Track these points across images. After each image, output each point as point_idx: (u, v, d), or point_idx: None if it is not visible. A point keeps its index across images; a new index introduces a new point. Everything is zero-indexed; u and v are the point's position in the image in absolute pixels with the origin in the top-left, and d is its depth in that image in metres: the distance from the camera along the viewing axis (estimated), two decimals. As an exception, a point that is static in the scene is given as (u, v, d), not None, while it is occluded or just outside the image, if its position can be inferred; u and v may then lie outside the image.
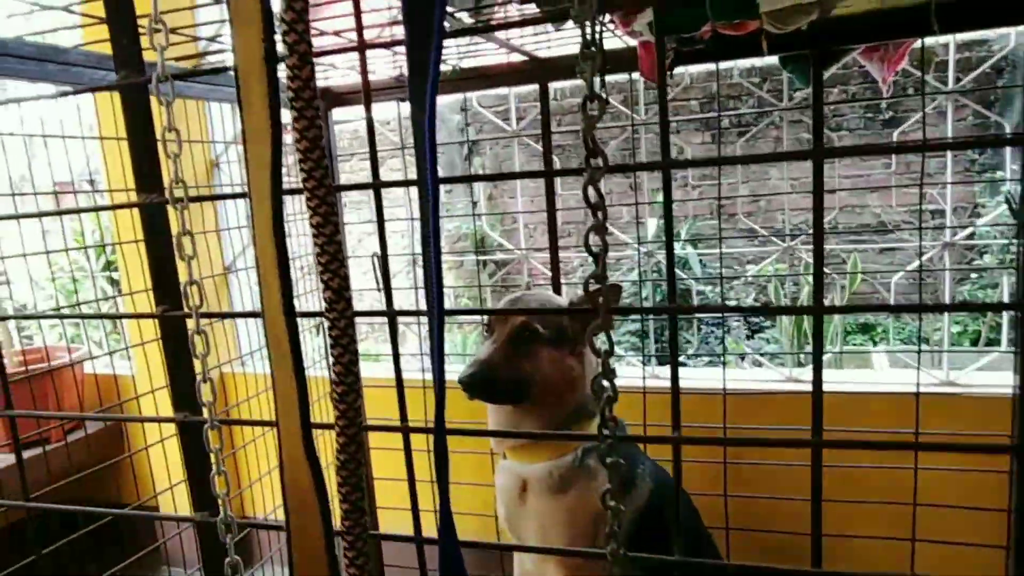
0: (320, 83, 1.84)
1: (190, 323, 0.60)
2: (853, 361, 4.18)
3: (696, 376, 2.18)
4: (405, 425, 0.63)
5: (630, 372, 2.17)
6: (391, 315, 0.76)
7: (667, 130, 0.57)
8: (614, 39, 1.56)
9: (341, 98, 1.84)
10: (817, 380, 0.60)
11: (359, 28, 0.58)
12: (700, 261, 4.74)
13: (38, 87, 1.35)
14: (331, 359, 0.56)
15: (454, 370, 1.42)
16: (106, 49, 0.68)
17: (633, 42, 1.55)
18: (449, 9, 1.32)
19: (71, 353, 2.64)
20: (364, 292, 1.97)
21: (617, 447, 1.51)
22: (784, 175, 4.81)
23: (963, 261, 4.49)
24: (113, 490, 2.73)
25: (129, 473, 2.59)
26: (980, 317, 4.39)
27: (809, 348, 3.97)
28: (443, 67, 1.77)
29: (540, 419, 1.43)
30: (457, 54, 1.67)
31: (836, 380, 2.01)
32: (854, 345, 4.67)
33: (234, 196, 2.20)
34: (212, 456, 0.63)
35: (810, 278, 4.33)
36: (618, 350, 2.15)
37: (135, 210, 0.65)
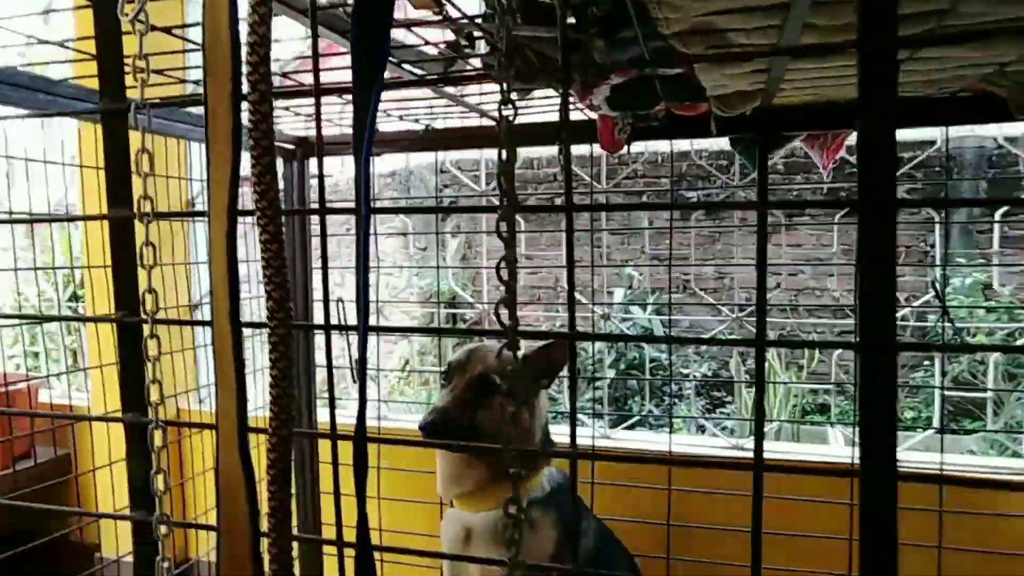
0: (299, 133, 1.94)
1: (145, 329, 0.66)
2: (810, 439, 4.25)
3: (646, 439, 2.23)
4: (334, 433, 0.68)
5: (584, 432, 2.22)
6: (327, 328, 0.80)
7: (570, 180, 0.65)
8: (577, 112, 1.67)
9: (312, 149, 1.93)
10: (760, 412, 0.66)
11: (315, 71, 0.66)
12: (664, 332, 4.86)
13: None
14: (269, 364, 0.62)
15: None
16: (94, 84, 0.75)
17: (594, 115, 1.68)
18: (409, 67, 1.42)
19: (28, 381, 2.64)
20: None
21: (562, 499, 1.55)
22: (748, 255, 4.99)
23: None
24: (57, 525, 2.67)
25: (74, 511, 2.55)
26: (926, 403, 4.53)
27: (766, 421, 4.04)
28: (417, 126, 1.89)
29: (488, 467, 1.47)
30: (429, 114, 1.77)
31: (781, 450, 2.08)
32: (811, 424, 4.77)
33: (195, 214, 2.26)
34: (153, 456, 0.68)
35: (770, 351, 4.46)
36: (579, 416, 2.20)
37: (105, 241, 0.71)
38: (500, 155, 0.57)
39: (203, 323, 0.69)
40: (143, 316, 0.64)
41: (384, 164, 5.78)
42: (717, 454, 2.05)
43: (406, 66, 1.31)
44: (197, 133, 1.70)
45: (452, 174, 4.18)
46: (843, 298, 4.99)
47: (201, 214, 0.58)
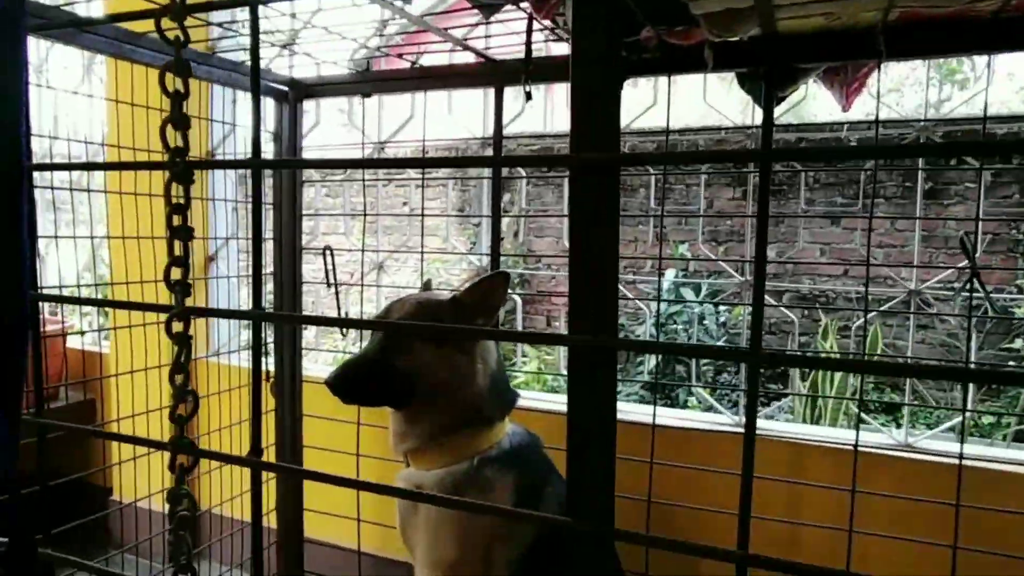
0: (287, 73, 1.88)
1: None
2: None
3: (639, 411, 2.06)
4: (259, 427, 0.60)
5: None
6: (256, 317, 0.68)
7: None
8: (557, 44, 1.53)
9: (309, 89, 1.87)
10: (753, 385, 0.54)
11: None
12: (717, 320, 4.59)
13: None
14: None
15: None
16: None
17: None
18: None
19: (63, 324, 2.74)
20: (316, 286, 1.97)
21: (524, 460, 1.42)
22: (814, 238, 4.65)
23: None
24: (79, 465, 2.75)
25: (96, 454, 2.63)
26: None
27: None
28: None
29: (428, 422, 1.37)
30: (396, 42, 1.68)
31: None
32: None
33: (222, 163, 2.24)
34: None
35: (825, 339, 4.12)
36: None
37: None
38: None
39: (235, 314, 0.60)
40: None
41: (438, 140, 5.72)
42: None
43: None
44: (216, 76, 1.71)
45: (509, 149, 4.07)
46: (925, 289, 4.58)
47: (228, 163, 0.50)
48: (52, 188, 1.83)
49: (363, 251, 2.04)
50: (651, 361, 4.23)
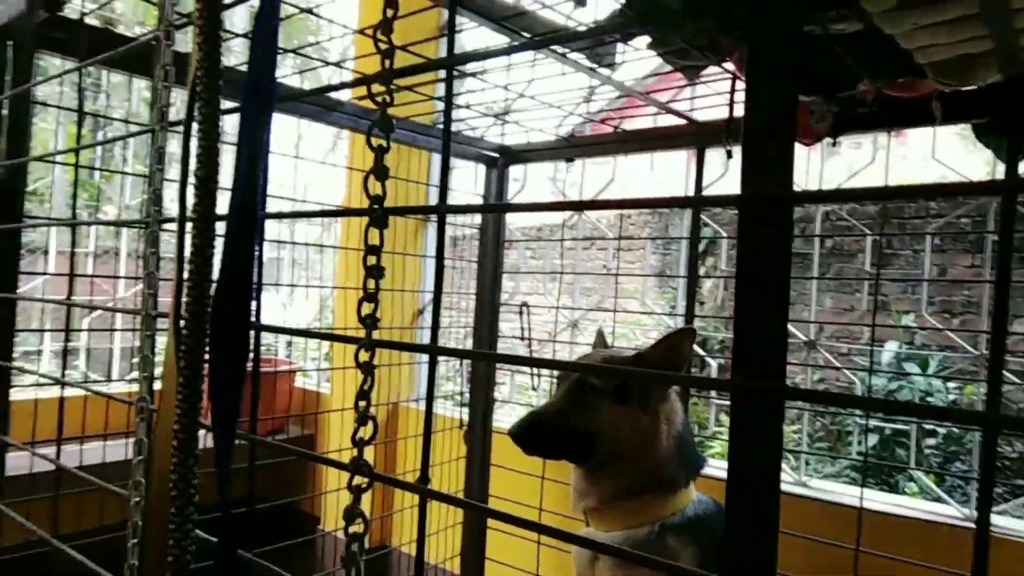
0: (496, 140, 2.01)
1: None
2: None
3: (845, 491, 1.85)
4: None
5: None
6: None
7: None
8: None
9: (517, 155, 1.98)
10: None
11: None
12: (945, 398, 4.02)
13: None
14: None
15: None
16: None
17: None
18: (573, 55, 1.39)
19: (291, 364, 3.09)
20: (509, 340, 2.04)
21: (707, 531, 1.35)
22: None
23: None
24: (293, 494, 3.04)
25: (310, 487, 2.90)
26: None
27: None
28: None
29: (609, 482, 1.33)
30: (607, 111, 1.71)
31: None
32: None
33: (420, 209, 2.42)
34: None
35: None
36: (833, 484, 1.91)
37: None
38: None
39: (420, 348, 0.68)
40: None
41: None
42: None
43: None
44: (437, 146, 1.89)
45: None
46: None
47: (418, 209, 0.59)
48: (293, 243, 2.11)
49: (557, 308, 2.08)
50: (859, 438, 3.80)
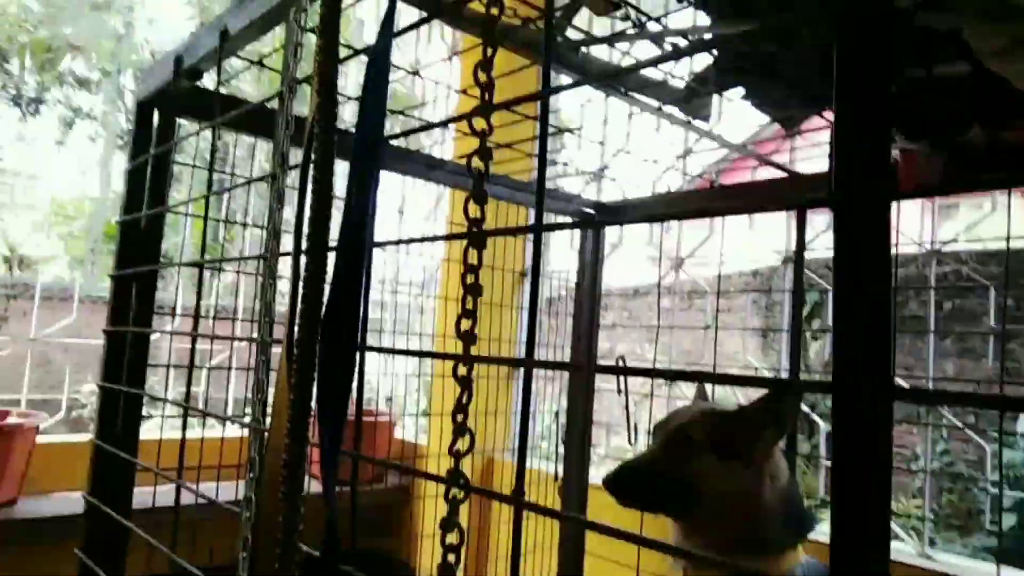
0: (592, 196, 2.04)
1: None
2: None
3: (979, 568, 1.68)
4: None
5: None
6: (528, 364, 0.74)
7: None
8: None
9: (613, 212, 2.00)
10: None
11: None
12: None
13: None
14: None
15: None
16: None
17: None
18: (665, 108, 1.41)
19: (391, 415, 3.17)
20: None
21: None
22: None
23: None
24: (393, 543, 3.07)
25: (406, 535, 2.92)
26: None
27: None
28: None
29: (709, 539, 1.28)
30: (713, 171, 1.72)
31: None
32: None
33: (511, 231, 2.46)
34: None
35: None
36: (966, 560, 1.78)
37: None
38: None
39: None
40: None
41: (742, 260, 5.60)
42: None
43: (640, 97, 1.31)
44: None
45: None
46: None
47: (510, 231, 0.65)
48: (395, 292, 2.20)
49: (654, 362, 2.05)
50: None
